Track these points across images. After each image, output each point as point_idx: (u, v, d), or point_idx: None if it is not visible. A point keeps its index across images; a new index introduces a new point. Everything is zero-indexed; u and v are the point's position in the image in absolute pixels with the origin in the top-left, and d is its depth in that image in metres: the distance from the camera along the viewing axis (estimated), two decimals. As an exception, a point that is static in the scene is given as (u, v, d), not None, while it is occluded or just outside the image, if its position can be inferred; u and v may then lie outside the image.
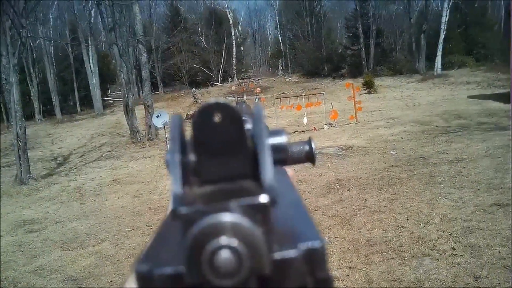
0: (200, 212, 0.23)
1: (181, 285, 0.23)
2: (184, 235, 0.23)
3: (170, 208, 0.29)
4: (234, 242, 0.22)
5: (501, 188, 5.64)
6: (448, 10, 27.76)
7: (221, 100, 0.29)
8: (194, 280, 0.23)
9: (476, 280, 3.52)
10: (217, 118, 0.29)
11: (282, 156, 0.38)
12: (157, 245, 0.27)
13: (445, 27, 27.88)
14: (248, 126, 0.32)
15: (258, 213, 0.24)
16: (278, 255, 0.24)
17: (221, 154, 0.30)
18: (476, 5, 33.81)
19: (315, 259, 0.24)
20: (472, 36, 31.28)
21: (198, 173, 0.30)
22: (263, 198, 0.24)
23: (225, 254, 0.22)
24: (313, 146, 0.46)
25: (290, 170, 0.48)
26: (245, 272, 0.22)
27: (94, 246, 5.94)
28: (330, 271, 0.25)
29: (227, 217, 0.22)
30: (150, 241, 0.28)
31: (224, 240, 0.22)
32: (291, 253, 0.24)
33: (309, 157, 0.46)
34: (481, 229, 4.47)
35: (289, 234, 0.25)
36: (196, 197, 0.27)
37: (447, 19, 27.79)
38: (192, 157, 0.30)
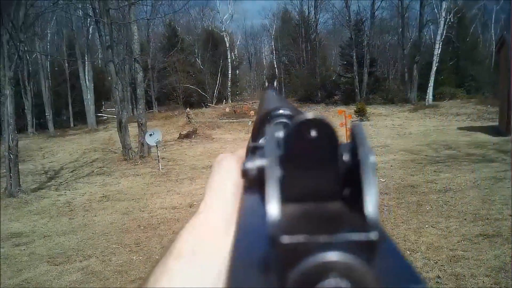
0: (303, 245, 0.21)
1: None
2: (285, 268, 0.21)
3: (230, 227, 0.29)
4: (346, 284, 0.20)
5: (487, 219, 5.73)
6: (441, 42, 28.35)
7: (318, 115, 0.27)
8: None
9: (459, 309, 3.57)
10: (313, 133, 0.27)
11: None
12: (244, 274, 0.24)
13: (437, 59, 28.43)
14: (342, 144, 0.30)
15: (367, 251, 0.22)
16: None
17: (309, 171, 0.28)
18: (467, 39, 34.57)
19: None
20: (463, 68, 31.89)
21: (284, 188, 0.27)
22: (374, 235, 0.22)
23: None
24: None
25: None
26: None
27: (81, 261, 5.92)
28: None
29: (337, 256, 0.20)
30: (230, 266, 0.26)
31: (335, 282, 0.20)
32: None
33: None
34: (466, 259, 4.54)
35: (393, 275, 0.23)
36: (293, 221, 0.24)
37: (439, 52, 28.36)
38: (280, 170, 0.28)
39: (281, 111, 0.42)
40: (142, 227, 7.17)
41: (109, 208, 8.76)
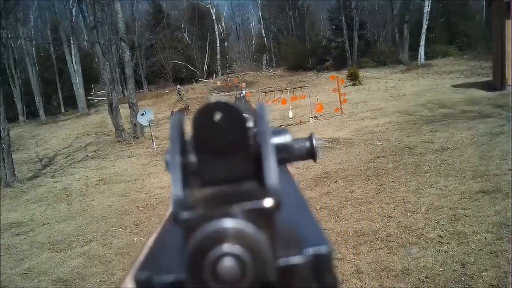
0: (202, 218, 0.22)
1: None
2: (185, 241, 0.22)
3: (169, 211, 0.28)
4: (238, 249, 0.21)
5: (486, 175, 5.71)
6: (430, 0, 27.96)
7: (223, 98, 0.28)
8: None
9: (463, 267, 3.56)
10: (218, 117, 0.27)
11: (286, 156, 0.37)
12: (157, 251, 0.26)
13: (428, 17, 28.09)
14: (250, 124, 0.31)
15: (262, 218, 0.23)
16: (283, 262, 0.23)
17: (223, 155, 0.28)
18: (457, -6, 34.09)
19: (322, 265, 0.23)
20: (454, 25, 31.57)
21: (199, 174, 0.29)
22: (267, 202, 0.23)
23: (228, 262, 0.21)
24: (314, 142, 0.45)
25: (290, 168, 0.47)
26: (249, 280, 0.21)
27: (82, 246, 5.89)
28: (337, 277, 0.24)
29: (229, 223, 0.22)
30: (149, 247, 0.27)
31: (227, 247, 0.21)
32: (296, 259, 0.23)
33: (311, 154, 0.45)
34: (467, 216, 4.52)
35: (295, 239, 0.24)
36: (197, 200, 0.26)
37: (429, 9, 28.00)
38: (192, 158, 0.29)
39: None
40: (141, 208, 7.14)
41: (106, 191, 8.71)
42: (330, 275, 0.24)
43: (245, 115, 0.29)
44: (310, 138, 0.45)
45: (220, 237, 0.21)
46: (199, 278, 0.22)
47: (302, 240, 0.24)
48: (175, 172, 0.26)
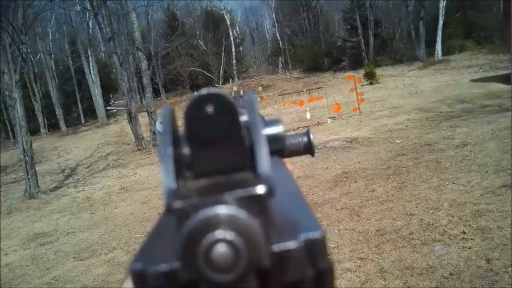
0: (194, 206, 0.22)
1: (176, 282, 0.23)
2: (178, 230, 0.22)
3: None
4: (231, 235, 0.21)
5: (509, 169, 5.61)
6: (445, -5, 27.64)
7: (213, 90, 0.28)
8: (190, 276, 0.22)
9: (488, 263, 3.51)
10: (209, 109, 0.28)
11: (279, 147, 0.38)
12: (152, 242, 0.26)
13: (443, 12, 27.74)
14: (244, 117, 0.31)
15: (255, 204, 0.23)
16: (277, 247, 0.23)
17: (216, 146, 0.28)
18: (473, -12, 33.63)
19: (316, 250, 0.23)
20: (470, 19, 31.09)
21: (192, 166, 0.29)
22: (260, 189, 0.23)
23: (221, 248, 0.21)
24: (311, 137, 0.46)
25: (288, 164, 0.46)
26: (243, 266, 0.21)
27: (106, 254, 5.97)
28: (331, 261, 0.24)
29: (222, 210, 0.22)
30: (145, 239, 0.27)
31: (220, 233, 0.21)
32: (290, 244, 0.23)
33: (308, 149, 0.45)
34: (490, 212, 4.45)
35: (288, 225, 0.25)
36: (190, 191, 0.26)
37: (444, 4, 27.65)
38: (185, 150, 0.29)
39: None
40: (163, 214, 7.19)
41: (128, 199, 8.81)
42: (324, 260, 0.24)
43: (238, 108, 0.29)
44: (307, 133, 0.45)
45: (213, 223, 0.21)
46: (193, 265, 0.21)
47: (296, 226, 0.24)
48: (167, 163, 0.26)
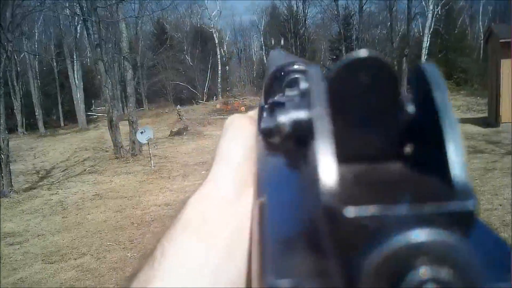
0: (377, 220, 0.16)
1: None
2: (352, 254, 0.15)
3: (262, 200, 0.23)
4: (445, 274, 0.14)
5: (488, 210, 5.83)
6: (429, 35, 28.57)
7: (373, 52, 0.21)
8: None
9: None
10: (366, 76, 0.21)
11: None
12: (285, 253, 0.19)
13: (426, 52, 28.64)
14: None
15: (462, 226, 0.16)
16: None
17: (362, 124, 0.22)
18: (456, 31, 34.82)
19: None
20: (452, 61, 32.12)
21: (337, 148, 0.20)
22: (472, 204, 0.17)
23: None
24: None
25: None
26: None
27: (75, 259, 5.95)
28: None
29: (433, 234, 0.15)
30: (268, 246, 0.20)
31: (431, 270, 0.14)
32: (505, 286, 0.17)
33: None
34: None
35: (493, 259, 0.18)
36: (350, 188, 0.18)
37: (428, 44, 28.57)
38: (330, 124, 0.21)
39: (295, 66, 0.37)
40: (136, 224, 7.21)
41: (102, 206, 8.77)
42: None
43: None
44: None
45: (421, 253, 0.15)
46: None
47: (501, 261, 0.18)
48: (326, 143, 0.18)
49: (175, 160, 13.53)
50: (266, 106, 0.34)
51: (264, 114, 0.33)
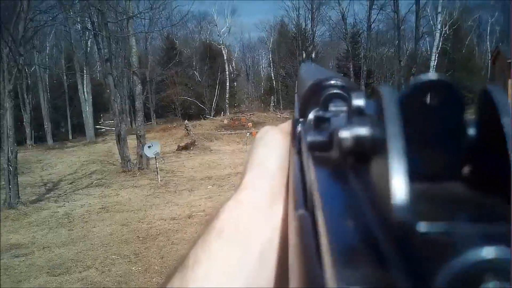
0: (447, 236, 0.17)
1: None
2: (423, 268, 0.16)
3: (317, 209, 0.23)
4: None
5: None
6: (437, 54, 28.68)
7: (442, 76, 0.23)
8: None
9: None
10: (434, 99, 0.23)
11: None
12: (350, 260, 0.18)
13: (434, 71, 28.67)
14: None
15: None
16: None
17: (426, 144, 0.23)
18: (463, 50, 34.93)
19: None
20: (459, 80, 32.13)
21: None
22: None
23: None
24: None
25: None
26: None
27: (80, 272, 5.96)
28: None
29: (500, 252, 0.15)
30: (331, 251, 0.19)
31: (499, 285, 0.15)
32: None
33: None
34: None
35: None
36: (417, 204, 0.18)
37: (435, 63, 28.66)
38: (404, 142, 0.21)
39: (333, 81, 0.38)
40: (141, 238, 7.22)
41: (108, 219, 8.80)
42: None
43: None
44: None
45: (489, 269, 0.15)
46: None
47: None
48: (399, 160, 0.19)
49: (182, 174, 13.57)
50: (303, 119, 0.35)
51: (304, 128, 0.33)
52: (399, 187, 0.18)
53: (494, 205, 0.19)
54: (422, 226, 0.17)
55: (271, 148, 0.37)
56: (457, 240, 0.16)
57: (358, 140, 0.24)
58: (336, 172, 0.26)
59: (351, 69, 33.78)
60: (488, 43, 42.56)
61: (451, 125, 0.23)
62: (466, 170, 0.23)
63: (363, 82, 33.46)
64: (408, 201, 0.17)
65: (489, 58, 31.37)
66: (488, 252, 0.15)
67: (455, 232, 0.17)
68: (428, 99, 0.22)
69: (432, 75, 0.22)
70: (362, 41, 36.03)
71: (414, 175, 0.20)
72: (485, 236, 0.16)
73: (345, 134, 0.24)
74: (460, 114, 0.23)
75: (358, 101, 0.26)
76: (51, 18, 19.90)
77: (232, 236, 0.32)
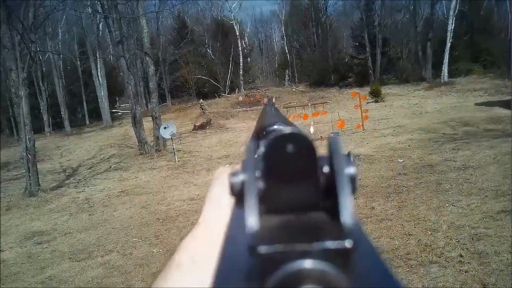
0: (281, 254, 0.22)
1: None
2: (261, 278, 0.21)
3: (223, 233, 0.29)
4: None
5: (509, 194, 5.61)
6: (454, 18, 27.78)
7: (296, 129, 0.28)
8: None
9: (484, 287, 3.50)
10: (289, 148, 0.28)
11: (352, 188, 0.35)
12: (225, 280, 0.24)
13: (451, 35, 27.89)
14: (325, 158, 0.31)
15: (341, 259, 0.22)
16: None
17: (289, 183, 0.28)
18: (482, 12, 33.83)
19: None
20: (478, 43, 31.23)
21: (266, 201, 0.28)
22: (348, 243, 0.22)
23: None
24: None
25: None
26: None
27: (102, 256, 5.98)
28: None
29: (313, 264, 0.21)
30: (217, 272, 0.24)
31: None
32: None
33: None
34: (488, 236, 4.45)
35: (369, 280, 0.22)
36: (272, 233, 0.25)
37: (453, 27, 27.81)
38: (261, 184, 0.29)
39: (274, 127, 0.44)
40: (161, 220, 7.21)
41: (128, 202, 8.82)
42: None
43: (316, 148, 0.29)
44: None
45: (303, 277, 0.20)
46: None
47: (376, 281, 0.22)
48: (251, 200, 0.26)
49: (199, 154, 13.54)
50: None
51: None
52: (249, 220, 0.24)
53: (329, 228, 0.25)
54: (262, 248, 0.22)
55: (223, 187, 0.41)
56: (288, 256, 0.21)
57: (242, 184, 0.29)
58: (237, 209, 0.31)
59: (366, 38, 32.97)
60: (508, 2, 41.13)
61: (307, 167, 0.28)
62: (325, 202, 0.28)
63: (379, 51, 32.73)
64: (254, 230, 0.24)
65: (509, 19, 30.35)
66: (303, 264, 0.21)
67: (289, 251, 0.22)
68: (285, 148, 0.28)
69: (287, 129, 0.28)
70: (376, 8, 35.06)
71: (277, 209, 0.28)
72: (309, 252, 0.21)
73: (233, 179, 0.29)
74: (313, 158, 0.29)
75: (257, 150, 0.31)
76: (60, 2, 19.82)
77: (189, 268, 0.37)
